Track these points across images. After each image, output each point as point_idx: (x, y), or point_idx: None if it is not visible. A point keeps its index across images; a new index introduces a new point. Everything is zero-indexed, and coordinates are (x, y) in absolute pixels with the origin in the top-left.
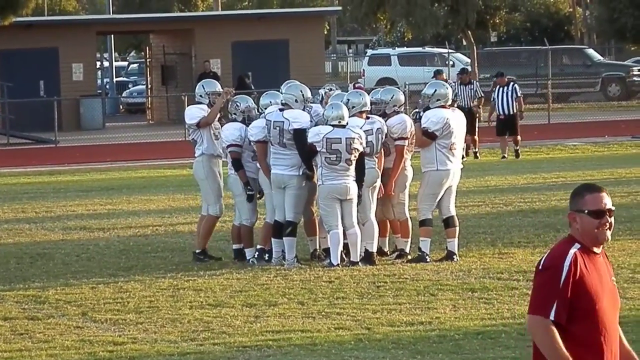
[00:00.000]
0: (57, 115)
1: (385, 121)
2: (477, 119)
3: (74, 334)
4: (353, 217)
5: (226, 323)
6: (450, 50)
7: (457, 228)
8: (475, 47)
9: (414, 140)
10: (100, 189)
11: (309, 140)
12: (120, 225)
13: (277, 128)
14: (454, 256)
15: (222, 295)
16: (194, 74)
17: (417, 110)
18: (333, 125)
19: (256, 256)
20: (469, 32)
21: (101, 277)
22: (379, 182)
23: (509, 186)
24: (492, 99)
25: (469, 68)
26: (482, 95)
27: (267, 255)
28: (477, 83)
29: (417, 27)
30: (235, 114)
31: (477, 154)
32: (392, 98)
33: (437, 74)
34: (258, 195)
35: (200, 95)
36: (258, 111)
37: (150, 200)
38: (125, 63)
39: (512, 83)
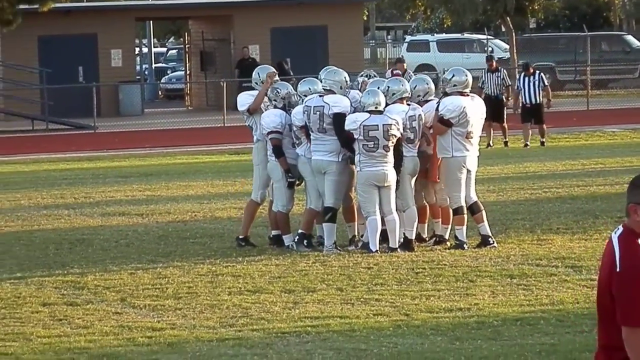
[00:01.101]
0: (95, 101)
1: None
2: (504, 107)
3: (113, 320)
4: (391, 203)
5: (265, 309)
6: (489, 37)
7: (484, 212)
8: (514, 34)
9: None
10: (138, 175)
11: (346, 127)
12: (159, 211)
13: (317, 113)
14: (489, 239)
15: (261, 281)
16: (233, 60)
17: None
18: (370, 112)
19: (296, 240)
20: (508, 18)
21: (140, 263)
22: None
23: (547, 172)
24: (517, 87)
25: (497, 55)
26: (510, 83)
27: (306, 241)
28: (505, 71)
29: (455, 14)
30: (275, 100)
31: (507, 143)
32: (414, 88)
33: (488, 60)
34: (298, 182)
35: (256, 82)
36: (297, 97)
37: (189, 186)
38: (164, 49)
39: (538, 72)
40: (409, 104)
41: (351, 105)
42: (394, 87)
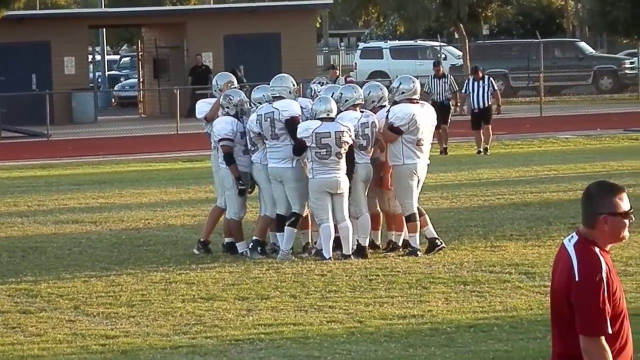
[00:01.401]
0: (49, 108)
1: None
2: (449, 112)
3: (66, 328)
4: (344, 210)
5: (218, 316)
6: (442, 44)
7: (426, 216)
8: (467, 40)
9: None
10: (92, 183)
11: (298, 135)
12: (112, 219)
13: (268, 119)
14: (437, 241)
15: (215, 288)
16: (186, 67)
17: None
18: (321, 119)
19: (250, 247)
20: (461, 25)
21: (93, 271)
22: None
23: (500, 179)
24: (464, 91)
25: (450, 62)
26: (457, 89)
27: (260, 248)
28: (452, 77)
29: (408, 21)
30: (228, 107)
31: (446, 150)
32: (369, 94)
33: (435, 66)
34: (249, 190)
35: (214, 90)
36: (250, 105)
37: (142, 193)
38: (117, 57)
39: (488, 77)
40: (362, 111)
41: (302, 113)
42: (347, 94)
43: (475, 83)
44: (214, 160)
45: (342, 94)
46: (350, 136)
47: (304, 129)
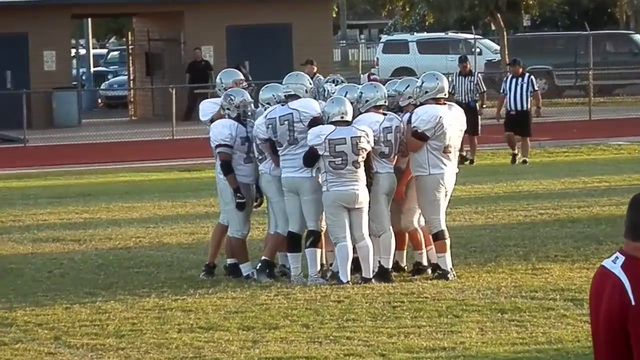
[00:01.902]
0: (26, 110)
1: (402, 116)
2: (478, 117)
3: None
4: (364, 227)
5: (220, 349)
6: (476, 36)
7: (447, 241)
8: (505, 33)
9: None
10: (75, 195)
11: (309, 142)
12: (99, 237)
13: (286, 122)
14: (449, 274)
15: (215, 316)
16: (183, 63)
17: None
18: (334, 123)
19: (258, 268)
20: (498, 15)
21: (76, 297)
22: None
23: (543, 191)
24: (501, 91)
25: (486, 57)
26: (484, 89)
27: (268, 270)
28: (479, 75)
29: (438, 10)
30: (229, 109)
31: (473, 160)
32: (406, 89)
33: (461, 62)
34: (255, 204)
35: (219, 89)
36: (256, 106)
37: (133, 207)
38: (105, 51)
39: (528, 75)
40: (384, 114)
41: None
42: (367, 93)
43: (514, 81)
44: (218, 172)
45: (362, 93)
46: (369, 142)
47: (316, 135)
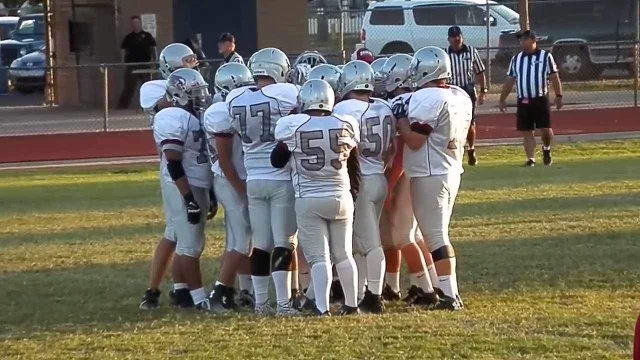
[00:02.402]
0: None
1: (393, 103)
2: (474, 103)
3: None
4: (347, 244)
5: None
6: (490, 2)
7: (452, 260)
8: None
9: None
10: None
11: (277, 136)
12: (9, 257)
13: (259, 114)
14: (454, 302)
15: (159, 356)
16: (118, 35)
17: (399, 98)
18: (311, 112)
19: (211, 297)
20: None
21: None
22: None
23: (575, 198)
24: (510, 72)
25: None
26: (482, 68)
27: (225, 298)
28: (476, 51)
29: None
30: (177, 95)
31: (474, 155)
32: (392, 69)
33: (451, 34)
34: (209, 213)
35: (163, 70)
36: (212, 91)
37: (54, 219)
38: (16, 19)
39: (544, 52)
40: (371, 100)
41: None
42: (349, 75)
43: (526, 59)
44: (163, 173)
45: (342, 74)
46: (353, 136)
47: (285, 127)
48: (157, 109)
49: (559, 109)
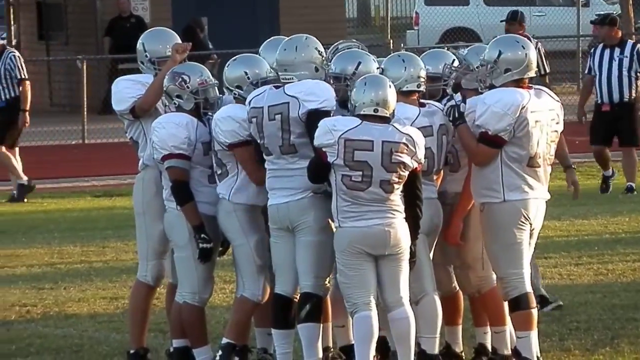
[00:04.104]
0: None
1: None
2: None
3: None
4: (402, 287)
5: None
6: None
7: (534, 312)
8: None
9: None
10: None
11: (316, 142)
12: None
13: (278, 116)
14: None
15: None
16: (100, 20)
17: (456, 100)
18: (364, 118)
19: (218, 357)
20: None
21: None
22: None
23: None
24: (587, 70)
25: (596, 9)
26: (548, 70)
27: (238, 358)
28: (540, 45)
29: None
30: (180, 97)
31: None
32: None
33: (512, 20)
34: (220, 249)
35: (142, 62)
36: (222, 91)
37: (17, 256)
38: None
39: (632, 43)
40: (421, 104)
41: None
42: (393, 70)
43: (606, 53)
44: (140, 190)
45: (382, 70)
46: (414, 154)
47: (326, 130)
48: (133, 112)
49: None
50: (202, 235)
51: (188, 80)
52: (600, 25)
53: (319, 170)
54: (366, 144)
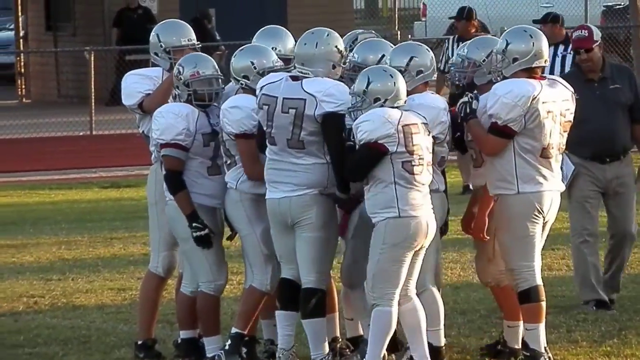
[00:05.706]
0: None
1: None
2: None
3: None
4: (413, 279)
5: None
6: None
7: (543, 304)
8: None
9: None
10: None
11: (369, 136)
12: None
13: (292, 111)
14: (542, 357)
15: None
16: (107, 10)
17: (469, 96)
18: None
19: (227, 348)
20: None
21: None
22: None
23: None
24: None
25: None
26: None
27: (245, 349)
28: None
29: None
30: (178, 87)
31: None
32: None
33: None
34: (230, 235)
35: (156, 53)
36: (227, 81)
37: (25, 246)
38: None
39: None
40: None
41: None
42: (396, 58)
43: (550, 50)
44: (153, 182)
45: (389, 60)
46: (428, 134)
47: (382, 122)
48: (142, 106)
49: None
50: (194, 224)
51: (182, 71)
52: (543, 24)
53: (371, 164)
54: (415, 127)
